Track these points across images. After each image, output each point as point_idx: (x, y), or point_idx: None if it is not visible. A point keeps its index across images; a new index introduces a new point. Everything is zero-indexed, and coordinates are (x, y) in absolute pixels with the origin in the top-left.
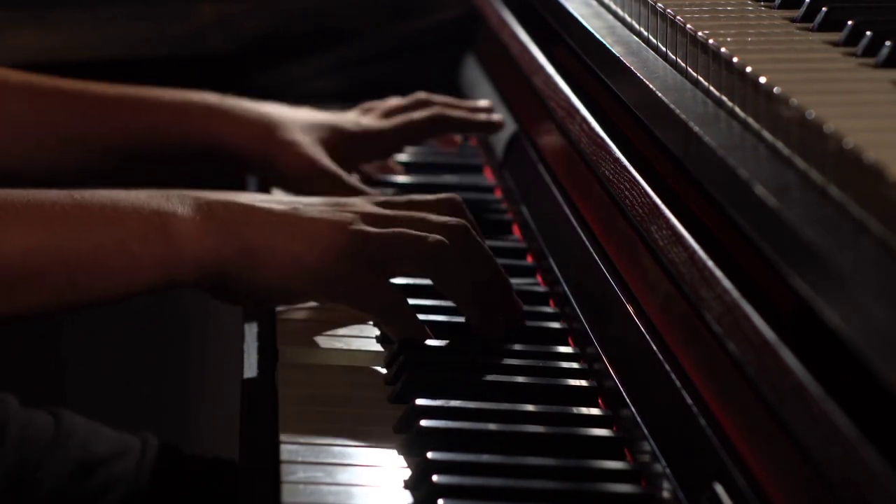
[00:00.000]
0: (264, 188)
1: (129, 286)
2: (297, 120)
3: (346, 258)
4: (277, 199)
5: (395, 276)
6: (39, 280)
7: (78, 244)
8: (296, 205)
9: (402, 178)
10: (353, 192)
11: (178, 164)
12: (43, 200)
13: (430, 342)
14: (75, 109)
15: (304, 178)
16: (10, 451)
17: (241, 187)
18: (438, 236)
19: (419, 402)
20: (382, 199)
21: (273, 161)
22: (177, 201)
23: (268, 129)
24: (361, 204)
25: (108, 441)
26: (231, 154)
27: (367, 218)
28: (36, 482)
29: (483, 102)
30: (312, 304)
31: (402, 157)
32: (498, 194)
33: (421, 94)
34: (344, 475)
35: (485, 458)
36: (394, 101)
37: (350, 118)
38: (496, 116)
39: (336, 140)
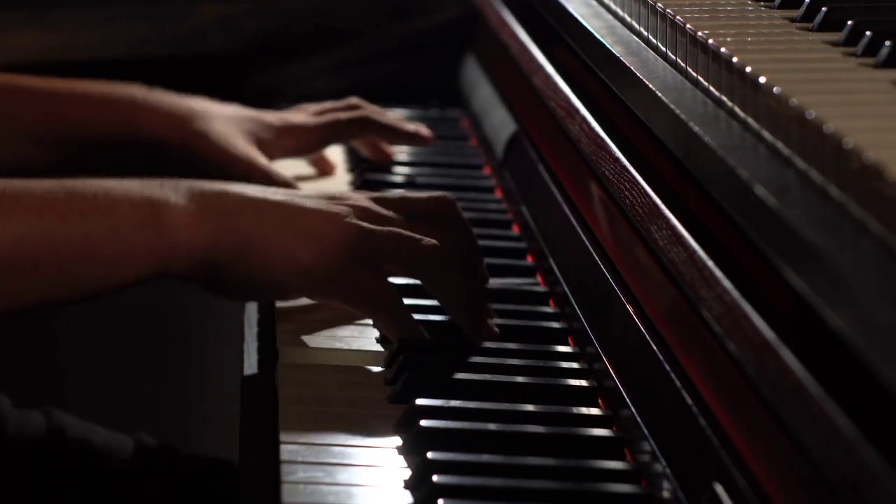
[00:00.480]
0: None
1: (122, 276)
2: (218, 112)
3: (341, 253)
4: (272, 190)
5: (387, 275)
6: (32, 270)
7: (70, 233)
8: (291, 196)
9: (401, 178)
10: (268, 176)
11: (107, 153)
12: (34, 190)
13: (430, 342)
14: (11, 102)
15: (220, 164)
16: (5, 452)
17: None
18: (434, 241)
19: (419, 402)
20: (375, 195)
21: (190, 149)
22: (170, 189)
23: (185, 119)
24: (356, 198)
25: (104, 441)
26: (151, 143)
27: (363, 213)
28: (31, 483)
29: (424, 130)
30: (312, 303)
31: (402, 156)
32: (498, 194)
33: (353, 99)
34: (344, 475)
35: (485, 458)
36: (327, 104)
37: (276, 114)
38: (424, 130)
39: (257, 131)
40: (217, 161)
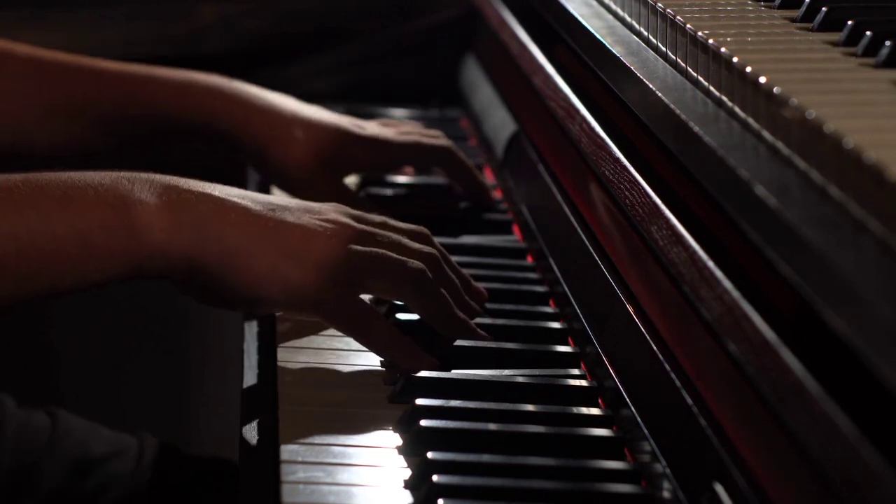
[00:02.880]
0: (264, 187)
1: (93, 276)
2: (302, 115)
3: (326, 273)
4: (251, 197)
5: (368, 293)
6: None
7: (34, 232)
8: (272, 207)
9: (401, 178)
10: (341, 196)
11: (176, 140)
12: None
13: (429, 341)
14: (81, 82)
15: (293, 174)
16: (7, 452)
17: (243, 184)
18: (419, 263)
19: (419, 402)
20: (355, 213)
21: (265, 151)
22: (146, 188)
23: (266, 118)
24: (338, 215)
25: (106, 441)
26: (225, 136)
27: (348, 231)
28: (33, 482)
29: (489, 186)
30: None
31: None
32: (498, 194)
33: (436, 132)
34: (344, 475)
35: (485, 458)
36: (412, 124)
37: (359, 123)
38: (492, 194)
39: (339, 141)
40: (290, 170)
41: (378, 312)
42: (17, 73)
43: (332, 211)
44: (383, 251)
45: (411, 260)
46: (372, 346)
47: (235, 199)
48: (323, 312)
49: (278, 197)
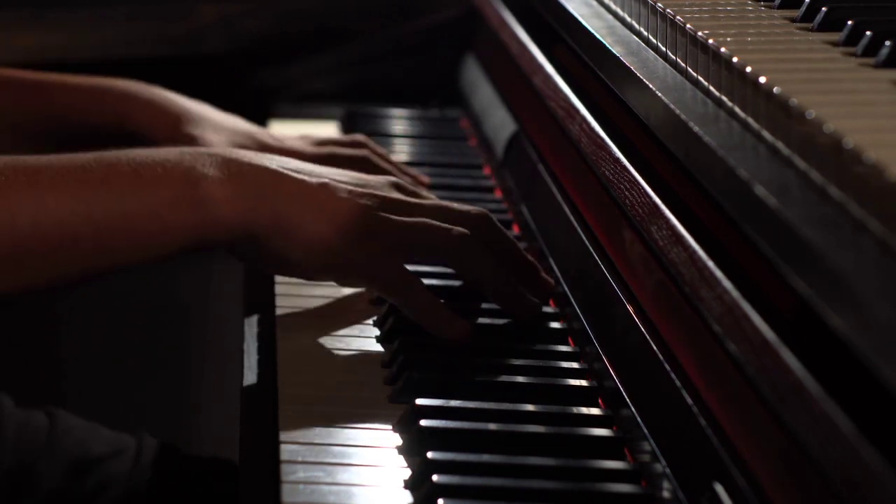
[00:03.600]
0: None
1: (161, 250)
2: (215, 120)
3: (369, 243)
4: (307, 170)
5: (413, 261)
6: (74, 246)
7: (109, 212)
8: (325, 179)
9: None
10: None
11: (98, 147)
12: (72, 166)
13: (429, 341)
14: (1, 91)
15: None
16: (6, 451)
17: None
18: (462, 229)
19: (419, 402)
20: (411, 188)
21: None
22: (208, 162)
23: (178, 121)
24: (388, 188)
25: (105, 441)
26: (139, 140)
27: (393, 204)
28: (32, 482)
29: (424, 178)
30: (312, 303)
31: (402, 156)
32: (498, 194)
33: (359, 137)
34: (344, 475)
35: (485, 458)
36: (331, 137)
37: (274, 134)
38: (424, 178)
39: (249, 147)
40: None
41: (417, 279)
42: None
43: (384, 184)
44: (426, 220)
45: (455, 227)
46: (410, 311)
47: (290, 172)
48: (365, 281)
49: (334, 170)
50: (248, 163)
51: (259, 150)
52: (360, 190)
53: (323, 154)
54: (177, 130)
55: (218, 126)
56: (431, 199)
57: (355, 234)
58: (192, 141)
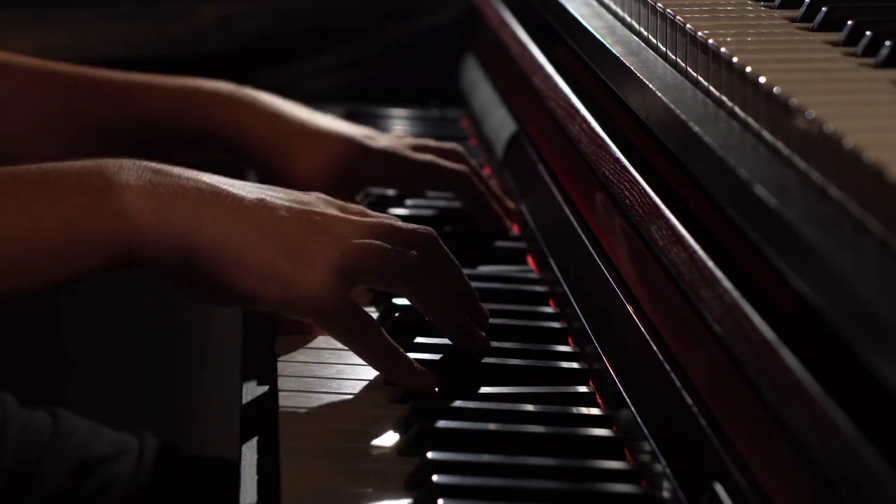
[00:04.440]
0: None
1: (82, 265)
2: (312, 124)
3: (323, 268)
4: (241, 186)
5: (364, 285)
6: None
7: (18, 225)
8: (262, 196)
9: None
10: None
11: (188, 149)
12: None
13: (429, 341)
14: (81, 91)
15: (304, 182)
16: (9, 451)
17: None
18: (411, 252)
19: (419, 402)
20: (341, 203)
21: (271, 160)
22: (133, 171)
23: (274, 125)
24: (322, 205)
25: (107, 441)
26: (236, 144)
27: (333, 223)
28: (35, 482)
29: (509, 203)
30: None
31: None
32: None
33: (457, 147)
34: (344, 475)
35: (485, 458)
36: (428, 141)
37: (372, 135)
38: (508, 223)
39: (349, 153)
40: (306, 173)
41: (376, 323)
42: (17, 83)
43: (320, 202)
44: (374, 242)
45: (408, 251)
46: (368, 358)
47: (227, 187)
48: (320, 316)
49: (266, 186)
50: (178, 174)
51: (357, 151)
52: (298, 207)
53: (424, 162)
54: (276, 135)
55: (317, 129)
56: (377, 216)
57: (296, 253)
58: (291, 146)
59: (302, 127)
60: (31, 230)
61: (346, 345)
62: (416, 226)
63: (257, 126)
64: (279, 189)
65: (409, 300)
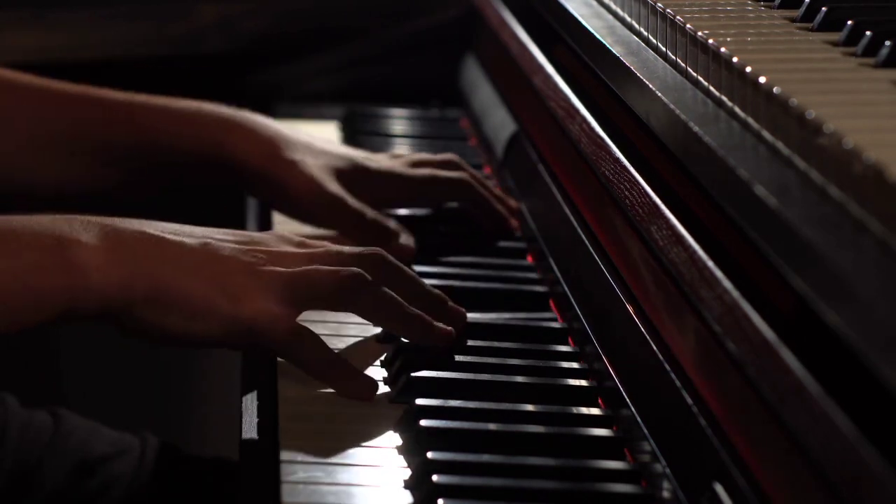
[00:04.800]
0: (265, 212)
1: (29, 318)
2: (311, 144)
3: (260, 300)
4: (189, 232)
5: (311, 309)
6: None
7: None
8: (207, 240)
9: None
10: (358, 217)
11: (186, 173)
12: None
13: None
14: (84, 112)
15: (306, 200)
16: (9, 451)
17: (242, 208)
18: (353, 268)
19: (419, 402)
20: (298, 240)
21: (276, 179)
22: (80, 227)
23: (275, 146)
24: (274, 242)
25: (108, 441)
26: (236, 166)
27: (279, 257)
28: (36, 482)
29: (512, 202)
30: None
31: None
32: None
33: (453, 157)
34: (344, 475)
35: (485, 458)
36: (424, 155)
37: (371, 157)
38: (513, 222)
39: (351, 173)
40: (305, 194)
41: (312, 333)
42: (15, 100)
43: (270, 239)
44: (314, 267)
45: (344, 268)
46: (310, 370)
47: (170, 236)
48: (267, 345)
49: (218, 230)
50: (123, 229)
51: (356, 173)
52: (243, 247)
53: (424, 177)
54: (275, 156)
55: (315, 150)
56: (325, 245)
57: (240, 291)
58: (291, 166)
59: (304, 147)
60: None
61: (294, 364)
62: (362, 248)
63: (256, 153)
64: (230, 231)
65: (362, 317)
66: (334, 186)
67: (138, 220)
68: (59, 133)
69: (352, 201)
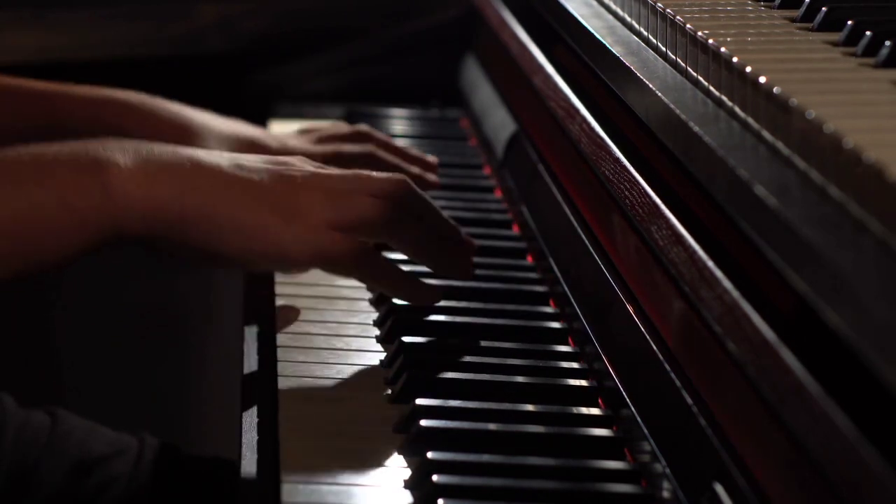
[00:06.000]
0: None
1: (74, 243)
2: (216, 129)
3: (309, 216)
4: (218, 155)
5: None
6: None
7: (14, 206)
8: (240, 161)
9: None
10: None
11: None
12: None
13: (429, 341)
14: (8, 100)
15: None
16: (7, 451)
17: None
18: (400, 175)
19: (419, 402)
20: (318, 163)
21: None
22: (117, 149)
23: (180, 133)
24: (306, 164)
25: (106, 441)
26: None
27: (317, 178)
28: (33, 482)
29: (430, 158)
30: (311, 303)
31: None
32: (498, 194)
33: (363, 127)
34: (344, 475)
35: (485, 458)
36: (332, 129)
37: (277, 136)
38: (431, 176)
39: (253, 153)
40: None
41: (376, 252)
42: None
43: (297, 161)
44: (361, 196)
45: (389, 202)
46: (382, 287)
47: (205, 156)
48: (323, 263)
49: (239, 154)
50: (159, 148)
51: (257, 149)
52: (276, 168)
53: (328, 152)
54: (181, 137)
55: (219, 135)
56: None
57: (284, 208)
58: (195, 144)
59: (205, 129)
60: (31, 210)
61: (360, 280)
62: (389, 174)
63: (161, 131)
64: (251, 155)
65: (395, 247)
66: None
67: (174, 145)
68: None
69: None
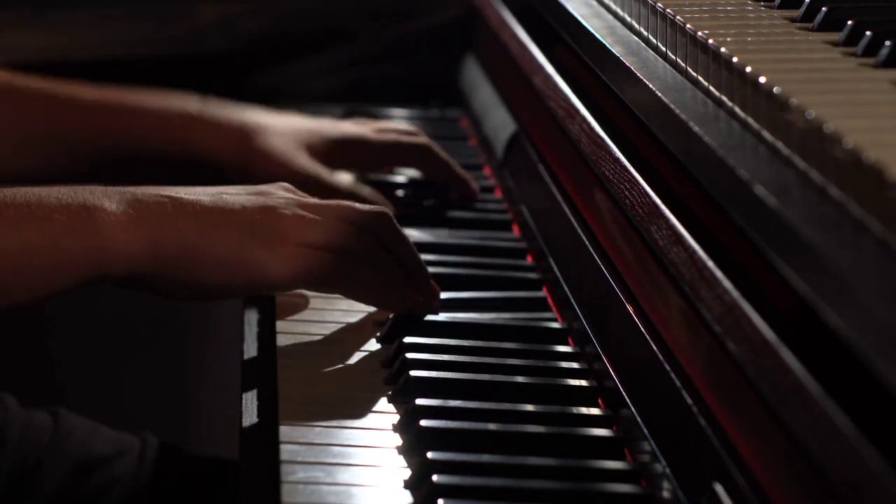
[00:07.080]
0: None
1: (60, 282)
2: (277, 126)
3: (290, 238)
4: (202, 191)
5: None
6: None
7: (6, 243)
8: (222, 194)
9: (399, 178)
10: (336, 190)
11: (156, 169)
12: None
13: (429, 341)
14: (57, 113)
15: (284, 180)
16: (9, 452)
17: None
18: (379, 207)
19: (419, 402)
20: (297, 191)
21: (249, 169)
22: (102, 195)
23: (243, 137)
24: (283, 192)
25: (108, 441)
26: (207, 161)
27: (301, 205)
28: (35, 482)
29: (474, 185)
30: (312, 304)
31: None
32: (498, 194)
33: (412, 128)
34: (344, 475)
35: (485, 458)
36: (388, 123)
37: (335, 125)
38: (475, 184)
39: (317, 144)
40: (280, 178)
41: (365, 266)
42: None
43: (279, 190)
44: (339, 202)
45: (366, 235)
46: (370, 302)
47: (185, 195)
48: (304, 278)
49: (227, 186)
50: (144, 193)
51: (325, 143)
52: (256, 197)
53: (388, 141)
54: (243, 146)
55: (279, 131)
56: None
57: (264, 233)
58: (260, 153)
59: (266, 129)
60: (22, 248)
61: (346, 297)
62: (370, 206)
63: (223, 147)
64: (235, 186)
65: (354, 282)
66: (307, 164)
67: (153, 185)
68: (39, 134)
69: (326, 176)
